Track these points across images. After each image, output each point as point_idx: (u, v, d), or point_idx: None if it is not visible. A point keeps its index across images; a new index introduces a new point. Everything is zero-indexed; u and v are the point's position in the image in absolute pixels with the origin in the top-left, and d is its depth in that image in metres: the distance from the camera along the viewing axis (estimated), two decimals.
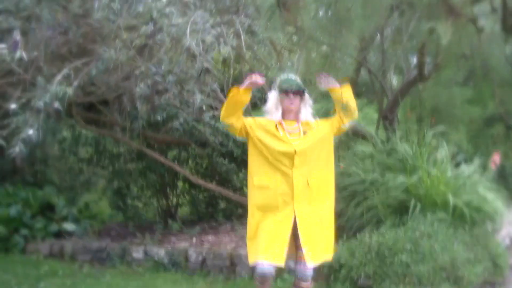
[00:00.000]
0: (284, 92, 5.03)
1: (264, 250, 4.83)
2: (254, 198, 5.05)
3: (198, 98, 5.66)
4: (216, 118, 7.58)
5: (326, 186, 5.13)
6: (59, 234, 8.85)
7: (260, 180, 5.00)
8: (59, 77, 5.32)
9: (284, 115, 5.08)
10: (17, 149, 4.82)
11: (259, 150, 4.99)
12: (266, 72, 8.02)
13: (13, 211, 8.78)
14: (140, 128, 7.57)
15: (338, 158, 7.79)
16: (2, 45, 4.96)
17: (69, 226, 8.92)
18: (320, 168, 5.08)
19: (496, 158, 8.22)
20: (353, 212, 7.09)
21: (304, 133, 5.08)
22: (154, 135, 8.63)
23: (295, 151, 4.92)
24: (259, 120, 5.09)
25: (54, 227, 8.87)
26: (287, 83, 5.07)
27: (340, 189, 7.38)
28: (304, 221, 4.93)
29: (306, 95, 5.15)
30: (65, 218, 9.07)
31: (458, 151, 8.22)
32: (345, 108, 5.07)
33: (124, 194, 9.19)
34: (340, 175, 7.47)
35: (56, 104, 5.07)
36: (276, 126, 5.03)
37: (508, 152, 9.05)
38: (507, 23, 6.29)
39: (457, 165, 7.79)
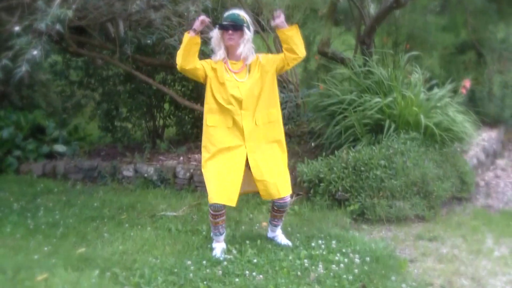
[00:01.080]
0: (222, 27, 5.13)
1: (217, 194, 5.09)
2: (206, 137, 5.25)
3: (192, 10, 5.95)
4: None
5: (273, 123, 5.29)
6: (50, 155, 9.22)
7: (213, 120, 5.20)
8: (58, 0, 5.57)
9: (228, 54, 5.22)
10: (23, 68, 5.16)
11: (214, 90, 5.16)
12: None
13: (5, 133, 9.11)
14: (130, 51, 7.83)
15: (317, 80, 8.16)
16: None
17: (59, 147, 9.30)
18: (266, 105, 5.24)
19: (466, 83, 8.52)
20: (332, 131, 7.48)
21: (249, 71, 5.24)
22: (143, 58, 8.91)
23: (242, 95, 5.11)
24: (211, 62, 5.20)
25: (45, 149, 9.24)
26: (226, 19, 5.17)
27: (319, 109, 7.79)
28: (256, 160, 5.17)
29: (246, 31, 5.17)
30: (55, 140, 9.44)
31: (431, 76, 8.48)
32: (291, 49, 5.15)
33: (113, 116, 9.49)
34: (320, 96, 7.87)
35: (58, 26, 5.36)
36: (225, 68, 5.18)
37: (478, 77, 9.39)
38: None
39: (430, 88, 8.12)
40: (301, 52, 5.22)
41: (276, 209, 5.41)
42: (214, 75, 5.16)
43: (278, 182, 5.20)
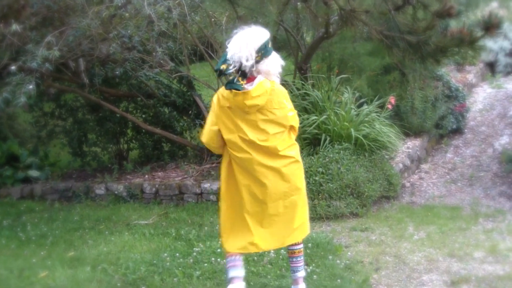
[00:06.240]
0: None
1: None
2: None
3: (159, 51, 7.05)
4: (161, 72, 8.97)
5: None
6: (25, 180, 10.12)
7: None
8: (44, 43, 6.59)
9: None
10: (21, 99, 6.21)
11: None
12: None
13: None
14: (98, 84, 8.85)
15: None
16: None
17: (33, 172, 10.20)
18: None
19: (391, 100, 9.57)
20: None
21: None
22: (108, 89, 9.89)
23: None
24: None
25: (20, 175, 10.15)
26: None
27: None
28: None
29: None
30: (29, 167, 10.34)
31: (360, 95, 9.50)
32: None
33: (81, 142, 10.37)
34: None
35: (47, 65, 6.42)
36: None
37: (402, 94, 10.26)
38: None
39: (359, 106, 9.16)
40: None
41: None
42: None
43: None
